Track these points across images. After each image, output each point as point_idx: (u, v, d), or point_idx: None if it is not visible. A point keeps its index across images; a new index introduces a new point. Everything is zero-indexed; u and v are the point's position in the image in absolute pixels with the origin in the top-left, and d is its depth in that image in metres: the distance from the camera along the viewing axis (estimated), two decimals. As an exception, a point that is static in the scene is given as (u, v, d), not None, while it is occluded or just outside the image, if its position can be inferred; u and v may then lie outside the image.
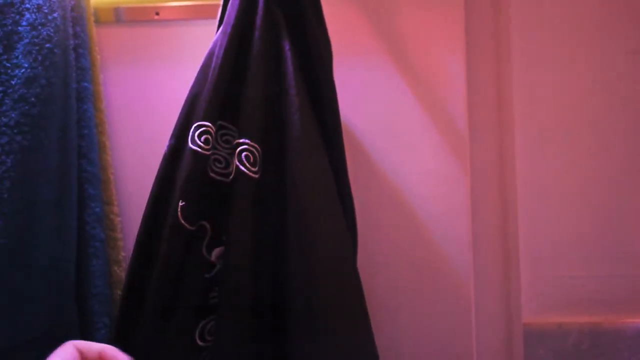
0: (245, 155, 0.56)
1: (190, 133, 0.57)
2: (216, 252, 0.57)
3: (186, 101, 0.61)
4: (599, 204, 0.73)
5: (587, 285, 0.73)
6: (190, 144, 0.57)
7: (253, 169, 0.56)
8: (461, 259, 0.69)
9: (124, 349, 0.51)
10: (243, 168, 0.56)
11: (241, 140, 0.57)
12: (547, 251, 0.73)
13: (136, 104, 0.73)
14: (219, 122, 0.59)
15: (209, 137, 0.57)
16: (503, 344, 0.73)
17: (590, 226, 0.73)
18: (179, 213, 0.55)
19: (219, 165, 0.59)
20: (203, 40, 0.67)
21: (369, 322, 0.57)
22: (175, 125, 0.61)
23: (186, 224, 0.56)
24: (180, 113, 0.61)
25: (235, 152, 0.57)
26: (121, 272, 0.67)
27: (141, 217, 0.62)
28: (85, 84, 0.67)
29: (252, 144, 0.57)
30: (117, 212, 0.69)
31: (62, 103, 0.62)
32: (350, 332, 0.55)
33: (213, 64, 0.60)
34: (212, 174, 0.58)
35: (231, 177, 0.57)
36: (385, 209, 0.70)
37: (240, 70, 0.59)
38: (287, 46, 0.59)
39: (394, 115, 0.71)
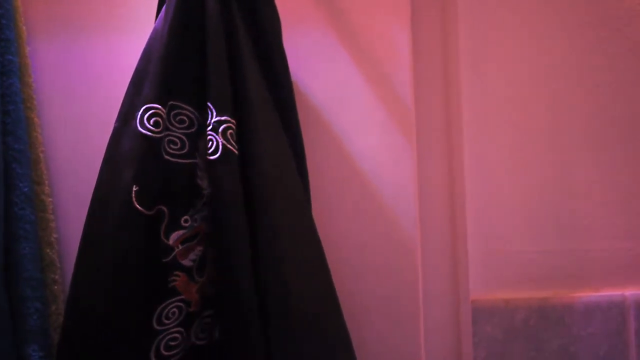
0: (230, 133, 0.55)
1: (139, 116, 0.56)
2: (174, 235, 0.56)
3: (131, 81, 0.59)
4: (548, 178, 0.72)
5: (536, 260, 0.72)
6: (139, 127, 0.55)
7: (236, 145, 0.56)
8: (408, 235, 0.68)
9: (76, 332, 0.51)
10: (230, 146, 0.55)
11: (223, 118, 0.55)
12: (495, 226, 0.72)
13: (68, 77, 0.69)
14: (170, 102, 0.57)
15: (159, 119, 0.55)
16: (451, 321, 0.71)
17: (539, 200, 0.72)
18: (134, 198, 0.54)
19: (173, 146, 0.57)
20: (144, 6, 0.63)
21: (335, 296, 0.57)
22: (121, 108, 0.58)
23: (142, 209, 0.54)
24: (126, 94, 0.59)
25: (217, 130, 0.55)
26: (54, 254, 0.64)
27: (74, 196, 0.59)
28: (10, 56, 0.64)
29: (231, 120, 0.56)
30: (49, 192, 0.66)
31: (-19, 77, 0.58)
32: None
33: (159, 43, 0.57)
34: (167, 157, 0.56)
35: (217, 155, 0.55)
36: (335, 171, 0.69)
37: (192, 47, 0.57)
38: (238, 19, 0.58)
39: (341, 85, 0.69)
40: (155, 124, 0.55)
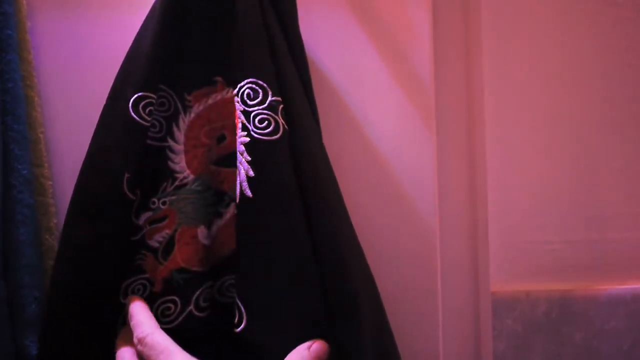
0: (284, 113, 0.54)
1: (132, 101, 0.55)
2: (143, 216, 0.56)
3: (126, 59, 0.57)
4: (571, 166, 0.69)
5: (558, 251, 0.69)
6: (132, 114, 0.55)
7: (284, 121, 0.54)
8: (426, 224, 0.65)
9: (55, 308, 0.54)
10: (286, 126, 0.54)
11: (278, 98, 0.54)
12: (516, 215, 0.69)
13: (71, 54, 0.65)
14: (159, 85, 0.56)
15: (152, 108, 0.55)
16: (470, 313, 0.69)
17: (561, 189, 0.69)
18: (125, 185, 0.54)
19: (153, 130, 0.56)
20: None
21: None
22: (114, 84, 0.57)
23: (130, 194, 0.55)
24: (119, 71, 0.57)
25: (277, 109, 0.54)
26: (53, 240, 0.61)
27: (75, 180, 0.56)
28: (9, 31, 0.60)
29: (281, 100, 0.54)
30: (49, 175, 0.62)
31: (-22, 51, 0.55)
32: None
33: (155, 20, 0.56)
34: (149, 141, 0.56)
35: (279, 134, 0.53)
36: (351, 156, 0.66)
37: (194, 23, 0.56)
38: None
39: (358, 66, 0.66)
40: (149, 113, 0.55)
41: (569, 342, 0.68)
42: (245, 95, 0.54)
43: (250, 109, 0.54)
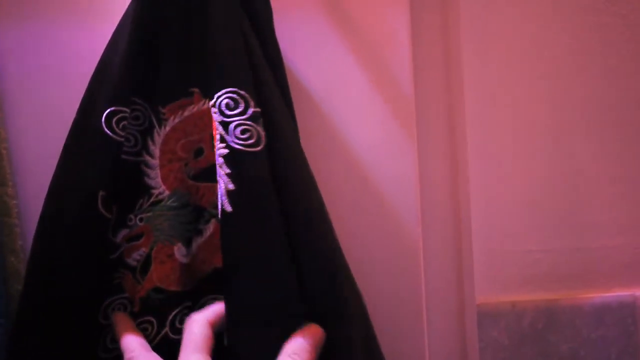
0: (263, 123, 0.52)
1: (105, 116, 0.52)
2: (121, 233, 0.54)
3: (97, 70, 0.55)
4: (554, 173, 0.68)
5: (542, 260, 0.68)
6: (105, 129, 0.52)
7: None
8: (409, 234, 0.63)
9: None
10: (266, 138, 0.52)
11: (258, 110, 0.52)
12: (499, 224, 0.67)
13: (37, 65, 0.62)
14: (132, 98, 0.54)
15: (125, 122, 0.53)
16: (456, 326, 0.67)
17: (545, 196, 0.68)
18: (99, 203, 0.52)
19: (127, 144, 0.54)
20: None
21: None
22: (84, 98, 0.54)
23: (105, 213, 0.52)
24: (90, 84, 0.55)
25: (259, 120, 0.52)
26: (18, 263, 0.58)
27: (42, 199, 0.53)
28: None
29: (258, 110, 0.52)
30: (13, 194, 0.59)
31: None
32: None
33: (127, 29, 0.54)
34: (123, 156, 0.54)
35: (261, 146, 0.51)
36: (331, 164, 0.65)
37: (167, 33, 0.54)
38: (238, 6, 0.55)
39: (337, 73, 0.64)
40: (123, 128, 0.53)
41: (556, 352, 0.66)
42: (224, 105, 0.52)
43: (229, 120, 0.52)
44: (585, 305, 0.67)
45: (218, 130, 0.52)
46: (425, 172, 0.66)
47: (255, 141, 0.51)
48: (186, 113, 0.56)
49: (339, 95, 0.64)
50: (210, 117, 0.53)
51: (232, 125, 0.51)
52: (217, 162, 0.51)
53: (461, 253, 0.67)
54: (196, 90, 0.56)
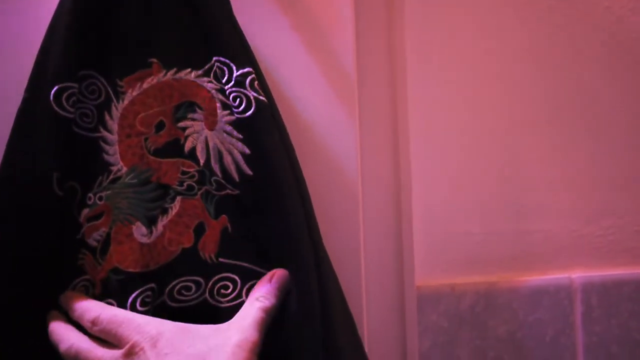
0: (257, 84, 0.52)
1: (53, 94, 0.50)
2: (83, 213, 0.52)
3: (42, 48, 0.51)
4: (494, 158, 0.68)
5: (481, 243, 0.68)
6: (55, 107, 0.50)
7: (263, 94, 0.53)
8: (349, 215, 0.62)
9: None
10: (261, 97, 0.52)
11: (246, 70, 0.52)
12: (439, 206, 0.67)
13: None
14: (82, 72, 0.51)
15: (75, 98, 0.51)
16: (395, 310, 0.66)
17: (484, 181, 0.68)
18: (55, 184, 0.50)
19: (86, 119, 0.52)
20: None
21: None
22: (31, 78, 0.51)
23: (59, 192, 0.50)
24: (36, 62, 0.51)
25: (244, 84, 0.52)
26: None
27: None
28: None
29: (252, 70, 0.53)
30: None
31: None
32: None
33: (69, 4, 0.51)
34: (77, 130, 0.51)
35: (252, 110, 0.52)
36: None
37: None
38: None
39: (283, 50, 0.62)
40: (73, 104, 0.51)
41: (494, 335, 0.67)
42: (219, 74, 0.53)
43: (226, 87, 0.53)
44: (522, 288, 0.67)
45: (217, 98, 0.52)
46: (366, 153, 0.65)
47: (245, 106, 0.52)
48: (145, 85, 0.53)
49: (280, 76, 0.62)
50: (173, 89, 0.52)
51: (229, 93, 0.52)
52: (224, 129, 0.52)
53: (401, 235, 0.66)
54: (155, 60, 0.53)
